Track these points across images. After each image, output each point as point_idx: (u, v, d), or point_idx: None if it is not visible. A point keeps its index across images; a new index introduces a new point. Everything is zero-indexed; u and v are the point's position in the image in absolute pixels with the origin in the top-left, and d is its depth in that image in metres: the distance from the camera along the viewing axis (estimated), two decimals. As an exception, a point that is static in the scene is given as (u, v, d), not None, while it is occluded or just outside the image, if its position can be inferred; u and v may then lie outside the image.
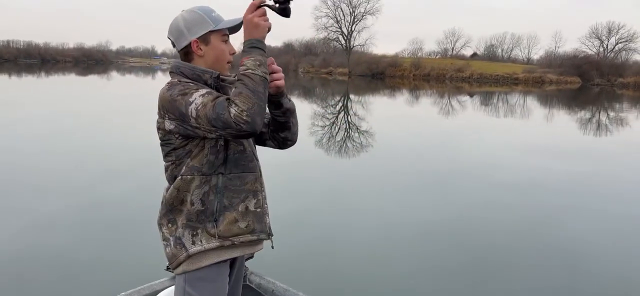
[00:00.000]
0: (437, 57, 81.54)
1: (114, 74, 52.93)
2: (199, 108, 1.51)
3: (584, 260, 4.88)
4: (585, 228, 5.95)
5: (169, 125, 1.60)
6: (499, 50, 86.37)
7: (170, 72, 1.74)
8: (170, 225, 1.69)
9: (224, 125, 1.48)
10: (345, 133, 13.80)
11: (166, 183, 1.72)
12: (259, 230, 1.74)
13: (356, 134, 13.63)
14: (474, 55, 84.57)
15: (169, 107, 1.57)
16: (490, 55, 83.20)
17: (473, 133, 15.16)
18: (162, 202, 1.72)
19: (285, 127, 1.86)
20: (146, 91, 29.47)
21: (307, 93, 33.48)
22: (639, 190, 8.27)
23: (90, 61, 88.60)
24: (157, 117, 1.65)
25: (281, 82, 1.73)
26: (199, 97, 1.53)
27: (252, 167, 1.75)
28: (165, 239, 1.70)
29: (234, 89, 1.53)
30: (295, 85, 41.55)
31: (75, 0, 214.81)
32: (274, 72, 1.72)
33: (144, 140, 10.17)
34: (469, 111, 23.89)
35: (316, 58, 76.99)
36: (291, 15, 1.66)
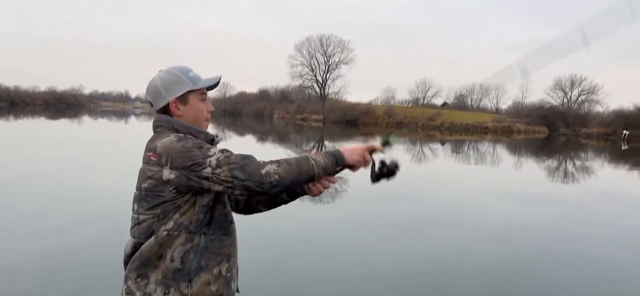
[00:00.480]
0: (409, 105, 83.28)
1: (86, 118, 52.13)
2: (220, 159, 1.55)
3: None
4: (556, 273, 6.01)
5: (168, 174, 1.57)
6: (469, 100, 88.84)
7: (157, 126, 1.72)
8: (139, 280, 1.63)
9: (249, 175, 1.52)
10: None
11: (128, 236, 1.68)
12: (226, 294, 1.73)
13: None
14: (445, 104, 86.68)
15: (176, 156, 1.56)
16: (460, 105, 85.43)
17: (446, 180, 15.36)
18: (129, 253, 1.67)
19: (274, 207, 2.00)
20: (118, 136, 29.03)
21: (282, 139, 33.58)
22: (606, 235, 8.43)
23: (62, 104, 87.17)
24: (146, 165, 1.62)
25: (320, 193, 1.79)
26: (219, 152, 1.57)
27: (231, 230, 1.77)
28: (129, 293, 1.64)
29: (287, 157, 1.61)
30: (270, 131, 41.70)
31: (48, 43, 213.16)
32: (328, 185, 1.77)
33: (110, 187, 9.92)
34: (441, 158, 24.29)
35: (291, 104, 77.75)
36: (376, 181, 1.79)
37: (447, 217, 9.27)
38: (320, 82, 76.99)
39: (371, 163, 1.75)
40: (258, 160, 1.57)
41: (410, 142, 35.55)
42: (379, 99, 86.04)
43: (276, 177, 1.52)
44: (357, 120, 66.46)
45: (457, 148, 32.13)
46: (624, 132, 56.37)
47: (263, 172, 1.52)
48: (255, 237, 6.18)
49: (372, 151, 1.77)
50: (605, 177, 19.41)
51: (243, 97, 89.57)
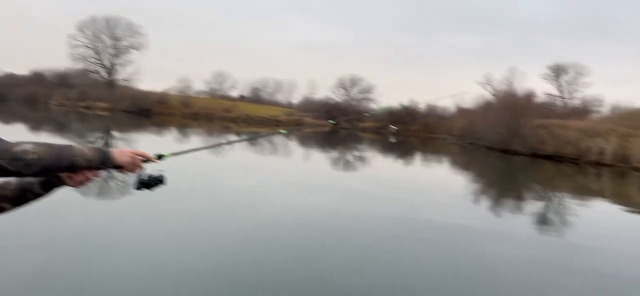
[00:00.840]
0: (206, 96, 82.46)
1: None
2: None
3: (340, 287, 5.53)
4: (341, 257, 6.74)
5: None
6: (263, 93, 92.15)
7: None
8: None
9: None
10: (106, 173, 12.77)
11: None
12: None
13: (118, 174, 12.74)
14: (242, 97, 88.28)
15: None
16: (255, 98, 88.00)
17: (241, 172, 15.72)
18: None
19: (22, 204, 1.73)
20: None
21: (61, 128, 29.90)
22: (380, 219, 9.73)
23: None
24: None
25: (80, 184, 1.69)
26: None
27: None
28: None
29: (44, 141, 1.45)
30: (46, 119, 36.72)
31: None
32: (90, 177, 1.70)
33: None
34: (236, 150, 24.73)
35: (72, 90, 69.52)
36: (138, 189, 1.82)
37: (240, 208, 9.54)
38: (108, 66, 70.75)
39: (139, 170, 1.79)
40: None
41: (207, 133, 35.29)
42: (174, 88, 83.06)
43: (34, 156, 1.40)
44: (150, 110, 63.00)
45: (252, 140, 33.09)
46: (391, 127, 65.42)
47: (18, 149, 1.39)
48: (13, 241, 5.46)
49: (145, 159, 1.77)
50: (378, 165, 22.34)
51: (11, 80, 76.73)
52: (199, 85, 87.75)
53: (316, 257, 6.55)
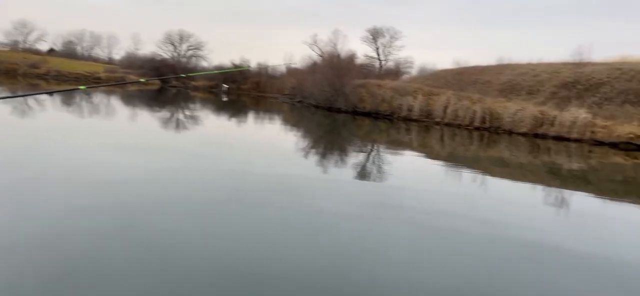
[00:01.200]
0: (5, 49, 71.11)
1: None
2: None
3: (175, 250, 5.60)
4: (177, 219, 6.75)
5: None
6: (79, 48, 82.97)
7: None
8: None
9: None
10: None
11: None
12: None
13: None
14: (51, 50, 78.16)
15: None
16: (69, 52, 78.76)
17: (59, 135, 14.27)
18: None
19: None
20: None
21: None
22: (217, 178, 9.85)
23: None
24: None
25: None
26: None
27: None
28: None
29: None
30: None
31: None
32: None
33: None
34: (50, 111, 22.16)
35: None
36: None
37: (62, 174, 8.80)
38: None
39: None
40: None
41: (10, 90, 30.80)
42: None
43: None
44: None
45: (68, 99, 29.88)
46: (224, 85, 64.80)
47: None
48: None
49: None
50: (212, 124, 22.17)
51: None
52: (-5, 36, 75.23)
53: (152, 221, 6.47)
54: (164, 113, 25.82)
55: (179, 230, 6.07)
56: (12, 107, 21.21)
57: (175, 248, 5.46)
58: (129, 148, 12.44)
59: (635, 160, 19.87)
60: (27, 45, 74.72)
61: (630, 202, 11.75)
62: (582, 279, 5.77)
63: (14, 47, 72.88)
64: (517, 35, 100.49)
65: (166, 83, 64.54)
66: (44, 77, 55.29)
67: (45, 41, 78.82)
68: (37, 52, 70.74)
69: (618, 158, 20.39)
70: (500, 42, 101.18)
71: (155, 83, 63.39)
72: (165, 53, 77.08)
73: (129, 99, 35.24)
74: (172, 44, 78.06)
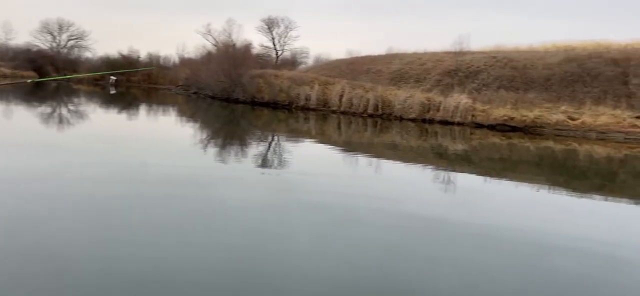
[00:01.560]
0: None
1: None
2: None
3: (67, 255, 5.27)
4: (63, 223, 6.33)
5: None
6: None
7: None
8: None
9: None
10: None
11: None
12: None
13: None
14: None
15: None
16: None
17: None
18: None
19: None
20: None
21: None
22: (106, 178, 9.32)
23: None
24: None
25: None
26: None
27: None
28: None
29: None
30: None
31: None
32: None
33: None
34: None
35: None
36: None
37: None
38: None
39: None
40: None
41: None
42: None
43: None
44: None
45: None
46: (111, 78, 60.90)
47: None
48: None
49: None
50: (100, 120, 20.82)
51: None
52: None
53: (39, 225, 6.00)
54: (45, 109, 23.74)
55: (70, 233, 5.63)
56: None
57: (67, 252, 5.05)
58: (7, 147, 11.32)
59: (510, 140, 22.07)
60: None
61: (507, 179, 13.08)
62: (474, 247, 6.34)
63: None
64: (404, 26, 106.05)
65: (45, 76, 59.08)
66: None
67: None
68: None
69: (495, 139, 22.51)
70: (389, 33, 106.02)
71: (32, 76, 57.82)
72: (43, 43, 70.51)
73: (1, 94, 31.85)
74: (51, 34, 71.60)
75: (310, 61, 63.32)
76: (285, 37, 64.42)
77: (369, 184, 10.52)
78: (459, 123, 27.59)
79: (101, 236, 5.63)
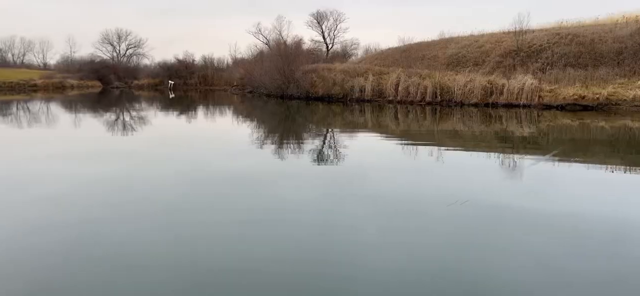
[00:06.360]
0: None
1: None
2: None
3: (139, 260, 5.20)
4: (134, 229, 6.33)
5: None
6: (10, 55, 78.38)
7: None
8: None
9: None
10: None
11: None
12: None
13: None
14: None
15: None
16: (-1, 61, 74.33)
17: (2, 149, 13.30)
18: None
19: None
20: None
21: None
22: (172, 179, 9.38)
23: None
24: None
25: None
26: None
27: None
28: None
29: None
30: None
31: None
32: None
33: None
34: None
35: None
36: None
37: (12, 191, 8.13)
38: None
39: None
40: None
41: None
42: None
43: None
44: None
45: (4, 110, 28.08)
46: (170, 82, 62.97)
47: None
48: None
49: None
50: (161, 123, 21.36)
51: None
52: None
53: (112, 231, 6.02)
54: (110, 116, 24.68)
55: (141, 238, 5.71)
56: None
57: (139, 257, 5.09)
58: (78, 156, 11.72)
59: (582, 120, 20.67)
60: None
61: (579, 161, 12.12)
62: (545, 236, 5.82)
63: None
64: (455, 9, 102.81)
65: (108, 85, 61.94)
66: (-26, 89, 51.84)
67: (-28, 51, 74.06)
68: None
69: (566, 120, 21.15)
70: (440, 17, 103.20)
71: (97, 85, 60.76)
72: (104, 54, 74.05)
73: (71, 104, 33.55)
74: (111, 44, 75.16)
75: (360, 52, 62.69)
76: (335, 29, 64.13)
77: (431, 173, 10.03)
78: (524, 106, 26.22)
79: (171, 236, 5.67)
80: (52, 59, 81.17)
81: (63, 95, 44.24)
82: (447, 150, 13.54)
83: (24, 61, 78.66)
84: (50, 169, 9.79)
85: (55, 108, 29.32)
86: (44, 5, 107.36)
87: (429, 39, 43.24)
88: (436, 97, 30.08)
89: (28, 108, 29.50)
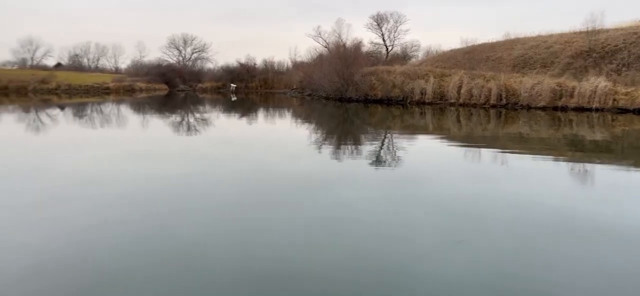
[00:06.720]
0: (15, 67, 71.76)
1: None
2: None
3: (201, 257, 5.33)
4: (197, 228, 6.49)
5: None
6: (85, 60, 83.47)
7: None
8: None
9: None
10: None
11: None
12: None
13: None
14: (58, 65, 78.80)
15: None
16: (76, 65, 79.26)
17: (77, 148, 14.14)
18: None
19: None
20: None
21: None
22: (236, 181, 9.59)
23: None
24: None
25: None
26: None
27: None
28: None
29: None
30: None
31: None
32: None
33: None
34: (62, 125, 22.11)
35: None
36: None
37: (83, 187, 8.60)
38: None
39: None
40: None
41: (24, 109, 30.89)
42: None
43: None
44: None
45: (79, 111, 29.90)
46: (232, 85, 64.72)
47: None
48: None
49: None
50: (224, 125, 21.96)
51: None
52: (4, 54, 75.99)
53: (176, 229, 6.22)
54: (176, 118, 25.66)
55: (203, 236, 5.86)
56: (26, 123, 21.18)
57: (201, 254, 5.24)
58: (146, 156, 12.25)
59: (660, 125, 19.26)
60: (34, 62, 75.37)
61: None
62: (618, 248, 5.42)
63: (22, 65, 73.54)
64: (521, 9, 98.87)
65: (174, 88, 64.54)
66: (54, 91, 55.66)
67: (51, 56, 79.66)
68: (44, 68, 71.35)
69: (642, 125, 19.77)
70: (504, 17, 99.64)
71: (163, 88, 63.45)
72: (171, 58, 77.19)
73: (139, 106, 35.20)
74: (177, 48, 78.22)
75: (420, 54, 61.64)
76: (395, 31, 63.42)
77: (495, 180, 9.63)
78: (597, 110, 24.78)
79: (231, 239, 5.75)
80: (123, 63, 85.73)
81: (132, 98, 46.54)
82: (513, 154, 13.01)
83: (98, 66, 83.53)
84: (119, 168, 10.28)
85: (125, 110, 30.87)
86: (117, 13, 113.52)
87: (494, 40, 41.87)
88: (501, 99, 29.04)
89: (101, 110, 31.25)
